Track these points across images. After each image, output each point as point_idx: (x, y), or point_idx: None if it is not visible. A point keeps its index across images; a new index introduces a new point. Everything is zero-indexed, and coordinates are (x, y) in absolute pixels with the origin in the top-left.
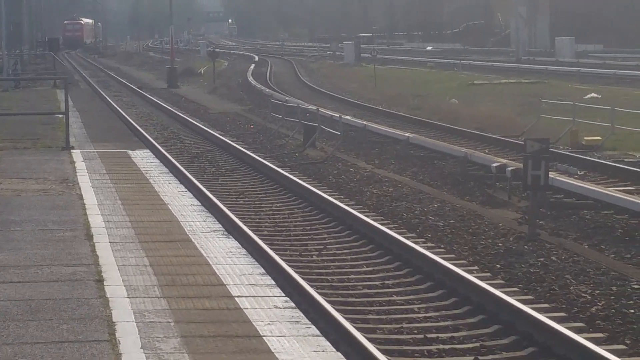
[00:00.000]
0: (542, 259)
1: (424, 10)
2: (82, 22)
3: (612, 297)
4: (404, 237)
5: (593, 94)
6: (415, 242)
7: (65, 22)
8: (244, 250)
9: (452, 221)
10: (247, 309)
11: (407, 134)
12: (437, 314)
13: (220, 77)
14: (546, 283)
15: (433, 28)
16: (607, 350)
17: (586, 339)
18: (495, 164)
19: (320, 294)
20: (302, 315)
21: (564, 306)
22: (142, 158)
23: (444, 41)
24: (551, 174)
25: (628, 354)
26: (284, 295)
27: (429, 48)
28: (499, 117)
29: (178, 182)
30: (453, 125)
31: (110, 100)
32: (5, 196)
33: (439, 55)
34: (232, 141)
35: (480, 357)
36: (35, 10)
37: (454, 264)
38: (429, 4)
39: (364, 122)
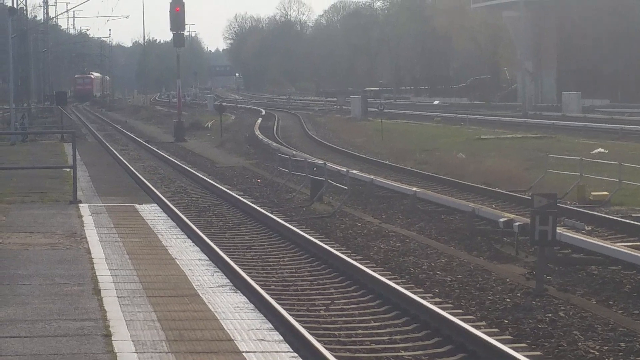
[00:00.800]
0: (550, 315)
1: (430, 65)
2: (92, 76)
3: (621, 354)
4: (412, 292)
5: (600, 149)
6: (423, 297)
7: (75, 75)
8: (252, 305)
9: (459, 276)
10: None
11: (414, 189)
12: None
13: (227, 131)
14: (554, 339)
15: (440, 82)
16: None
17: None
18: (502, 219)
19: (327, 349)
20: None
21: None
22: (150, 212)
23: (450, 95)
24: (559, 229)
25: None
26: (292, 350)
27: (436, 102)
28: (506, 172)
29: (186, 236)
30: (460, 179)
31: (117, 153)
32: (12, 250)
33: (446, 110)
34: (240, 195)
35: None
36: (43, 64)
37: (462, 319)
38: (436, 58)
39: (371, 177)
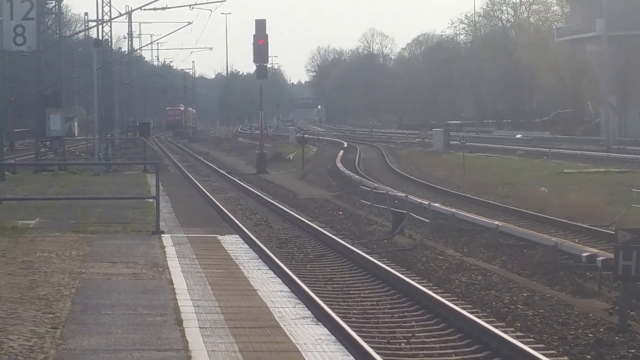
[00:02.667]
0: (633, 350)
1: (513, 98)
2: (181, 108)
3: None
4: (493, 325)
5: None
6: (505, 331)
7: (167, 108)
8: (334, 337)
9: (541, 310)
10: None
11: (496, 222)
12: None
13: (309, 163)
14: None
15: (522, 116)
16: None
17: None
18: (585, 254)
19: None
20: None
21: None
22: (232, 243)
23: (533, 129)
24: None
25: None
26: None
27: (518, 136)
28: (589, 206)
29: (267, 267)
30: (542, 213)
31: (199, 184)
32: (96, 280)
33: (528, 143)
34: (321, 227)
35: None
36: (127, 96)
37: (544, 354)
38: (519, 92)
39: (453, 210)
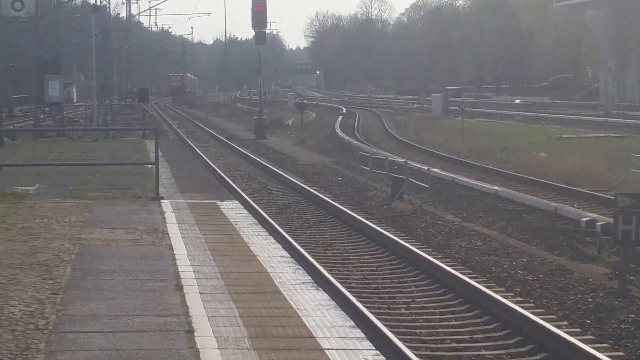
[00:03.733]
0: (633, 315)
1: (512, 63)
2: (184, 75)
3: None
4: (493, 291)
5: None
6: (504, 296)
7: (170, 74)
8: (334, 302)
9: (541, 275)
10: None
11: (495, 188)
12: None
13: (308, 129)
14: (637, 339)
15: (521, 81)
16: None
17: None
18: (584, 219)
19: (409, 347)
20: None
21: None
22: (231, 209)
23: (532, 94)
24: None
25: None
26: (374, 348)
27: (517, 101)
28: (588, 171)
29: (267, 233)
30: (541, 179)
31: (198, 150)
32: (96, 246)
33: (527, 109)
34: (320, 193)
35: None
36: (125, 62)
37: (544, 319)
38: (518, 56)
39: (452, 175)
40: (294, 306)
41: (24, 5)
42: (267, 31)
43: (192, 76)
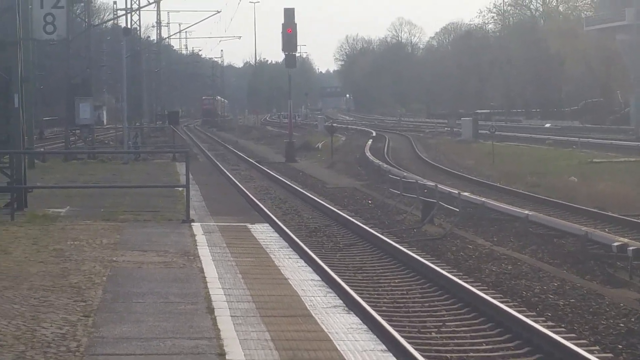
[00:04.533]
0: None
1: (542, 88)
2: (216, 98)
3: None
4: (524, 315)
5: None
6: (535, 321)
7: (203, 97)
8: (365, 326)
9: (572, 300)
10: None
11: (526, 212)
12: None
13: (337, 152)
14: None
15: (551, 105)
16: None
17: None
18: (616, 243)
19: None
20: None
21: None
22: (262, 232)
23: (562, 118)
24: None
25: None
26: None
27: (548, 125)
28: (620, 196)
29: (298, 256)
30: (572, 203)
31: (228, 173)
32: (127, 268)
33: (558, 133)
34: (350, 216)
35: None
36: (155, 84)
37: (575, 344)
38: (548, 81)
39: (483, 199)
40: (326, 330)
41: (56, 28)
42: (297, 54)
43: (223, 99)
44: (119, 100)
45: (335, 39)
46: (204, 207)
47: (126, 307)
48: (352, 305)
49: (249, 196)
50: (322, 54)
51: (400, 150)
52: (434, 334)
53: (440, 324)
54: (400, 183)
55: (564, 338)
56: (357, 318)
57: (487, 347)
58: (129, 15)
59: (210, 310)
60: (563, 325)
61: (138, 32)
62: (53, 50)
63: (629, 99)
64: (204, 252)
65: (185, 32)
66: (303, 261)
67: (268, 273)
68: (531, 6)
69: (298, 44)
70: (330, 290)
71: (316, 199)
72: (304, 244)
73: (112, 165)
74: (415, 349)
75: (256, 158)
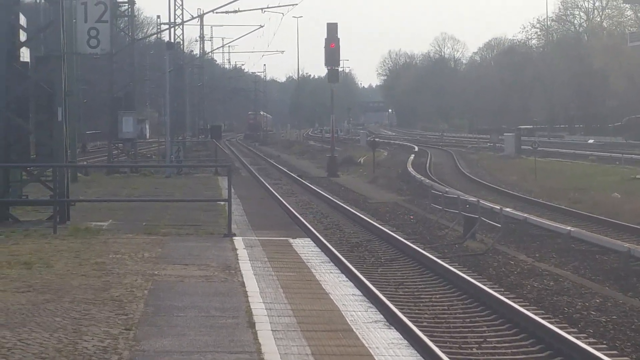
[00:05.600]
0: None
1: (585, 103)
2: (260, 113)
3: None
4: (566, 331)
5: None
6: (577, 337)
7: (249, 112)
8: (406, 341)
9: (614, 317)
10: None
11: (568, 228)
12: None
13: (379, 167)
14: None
15: (594, 121)
16: None
17: None
18: None
19: None
20: None
21: None
22: (303, 246)
23: (605, 134)
24: None
25: None
26: None
27: (591, 141)
28: None
29: (339, 271)
30: (615, 219)
31: (270, 187)
32: (168, 282)
33: (601, 149)
34: (392, 231)
35: None
36: (198, 98)
37: None
38: (591, 96)
39: (525, 215)
40: (366, 345)
41: (100, 42)
42: (340, 69)
43: (267, 115)
44: (161, 114)
45: (378, 53)
46: (246, 221)
47: (167, 320)
48: (393, 321)
49: (290, 210)
50: (365, 69)
51: (442, 166)
52: (475, 350)
53: (482, 339)
54: (442, 198)
55: (606, 355)
56: (398, 333)
57: None
58: (172, 30)
59: (251, 324)
60: (605, 342)
61: (181, 47)
62: (96, 64)
63: None
64: (246, 266)
65: (228, 46)
66: (344, 276)
67: (309, 287)
68: (575, 22)
69: (341, 58)
70: (371, 305)
71: (358, 213)
72: (346, 259)
73: (154, 179)
74: None
75: (298, 172)
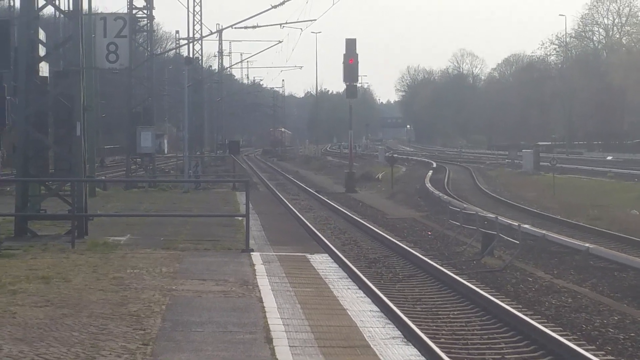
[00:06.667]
0: None
1: (604, 120)
2: (281, 129)
3: None
4: (584, 349)
5: None
6: (596, 355)
7: (270, 129)
8: (424, 358)
9: (632, 334)
10: None
11: (586, 245)
12: None
13: (398, 183)
14: None
15: (613, 138)
16: None
17: None
18: None
19: None
20: None
21: None
22: (321, 262)
23: (624, 151)
24: None
25: None
26: None
27: (609, 158)
28: None
29: (356, 287)
30: (633, 236)
31: (288, 203)
32: (186, 297)
33: (620, 166)
34: (410, 247)
35: None
36: (216, 113)
37: None
38: (610, 113)
39: (543, 231)
40: None
41: (118, 57)
42: (359, 85)
43: (288, 131)
44: (180, 129)
45: (397, 69)
46: (264, 236)
47: (185, 335)
48: (410, 337)
49: (308, 226)
50: (383, 85)
51: (460, 182)
52: None
53: (500, 357)
54: (460, 214)
55: None
56: (415, 350)
57: None
58: (191, 45)
59: (269, 340)
60: None
61: (200, 62)
62: (115, 78)
63: None
64: (263, 282)
65: (247, 61)
66: (362, 292)
67: (327, 303)
68: (594, 38)
69: (359, 74)
70: (389, 321)
71: (376, 229)
72: (363, 275)
73: (172, 193)
74: None
75: (316, 188)
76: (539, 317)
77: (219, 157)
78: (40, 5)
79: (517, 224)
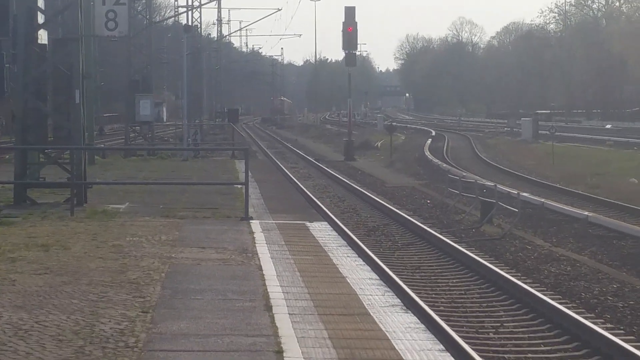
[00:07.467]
0: None
1: (603, 88)
2: (282, 99)
3: None
4: (583, 317)
5: None
6: (594, 323)
7: (272, 98)
8: (423, 325)
9: (631, 302)
10: None
11: (585, 213)
12: None
13: (397, 151)
14: None
15: (612, 106)
16: None
17: None
18: None
19: None
20: None
21: None
22: (320, 230)
23: (623, 119)
24: None
25: None
26: None
27: (608, 126)
28: None
29: (356, 255)
30: (632, 204)
31: (287, 171)
32: (185, 264)
33: (618, 134)
34: (409, 215)
35: None
36: (215, 82)
37: (634, 346)
38: (609, 81)
39: (542, 200)
40: (383, 329)
41: (117, 25)
42: (358, 53)
43: (289, 100)
44: (179, 97)
45: (396, 37)
46: (263, 204)
47: (184, 303)
48: (410, 305)
49: (307, 194)
50: (382, 53)
51: (459, 150)
52: (491, 335)
53: (498, 324)
54: (459, 183)
55: (623, 340)
56: (414, 317)
57: (545, 348)
58: (189, 13)
59: (268, 307)
60: (622, 328)
61: (199, 30)
62: (114, 47)
63: None
64: (263, 250)
65: (246, 30)
66: (361, 260)
67: (326, 271)
68: (593, 6)
69: (358, 42)
70: (388, 289)
71: (375, 197)
72: (362, 243)
73: (171, 162)
74: (473, 349)
75: (315, 156)
76: (538, 285)
77: (217, 125)
78: None
79: (516, 192)
